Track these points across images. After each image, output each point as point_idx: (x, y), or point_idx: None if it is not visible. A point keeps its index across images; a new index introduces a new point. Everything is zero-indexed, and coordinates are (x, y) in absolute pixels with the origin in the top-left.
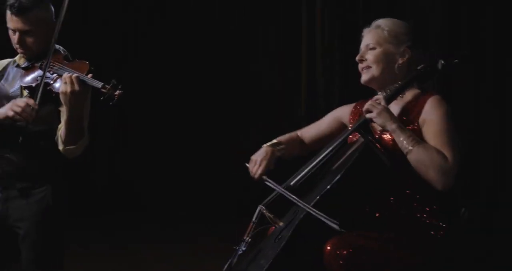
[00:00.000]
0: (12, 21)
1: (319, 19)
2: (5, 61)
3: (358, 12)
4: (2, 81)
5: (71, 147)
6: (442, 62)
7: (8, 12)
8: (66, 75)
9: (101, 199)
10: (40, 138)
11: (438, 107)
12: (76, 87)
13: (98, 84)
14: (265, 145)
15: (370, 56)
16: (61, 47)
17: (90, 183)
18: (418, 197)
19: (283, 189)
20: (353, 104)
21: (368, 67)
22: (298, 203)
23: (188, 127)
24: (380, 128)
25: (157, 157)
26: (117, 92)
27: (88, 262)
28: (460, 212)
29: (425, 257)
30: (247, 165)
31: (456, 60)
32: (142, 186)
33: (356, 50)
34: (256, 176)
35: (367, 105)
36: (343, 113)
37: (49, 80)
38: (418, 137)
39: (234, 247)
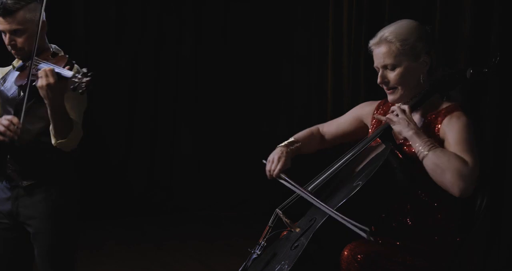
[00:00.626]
0: (1, 23)
1: (345, 22)
2: (8, 68)
3: (384, 13)
4: (3, 85)
5: (62, 140)
6: (471, 71)
7: None
8: (41, 69)
9: (139, 200)
10: (39, 135)
11: (458, 119)
12: (51, 80)
13: (69, 74)
14: (279, 145)
15: (392, 77)
16: (53, 45)
17: (128, 185)
18: (435, 205)
19: (302, 189)
20: (376, 104)
21: (394, 88)
22: (322, 207)
23: (224, 127)
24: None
25: (194, 158)
26: (84, 79)
27: (129, 260)
28: (477, 221)
29: (440, 266)
30: (264, 161)
31: (486, 70)
32: (179, 187)
33: None
34: (274, 174)
35: (389, 115)
36: (364, 112)
37: (34, 77)
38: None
39: (249, 250)
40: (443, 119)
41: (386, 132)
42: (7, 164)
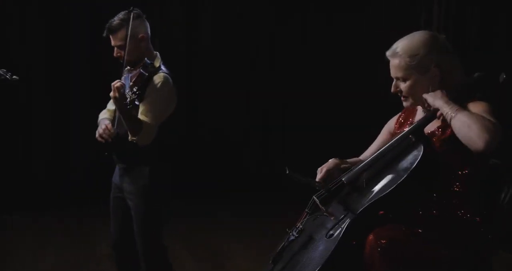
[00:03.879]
0: (111, 40)
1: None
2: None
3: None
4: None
5: (134, 138)
6: (504, 76)
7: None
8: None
9: (251, 179)
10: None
11: (479, 103)
12: (115, 94)
13: (126, 91)
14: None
15: (403, 88)
16: (154, 56)
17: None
18: (459, 194)
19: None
20: (398, 114)
21: (405, 97)
22: (371, 198)
23: (322, 120)
24: (428, 131)
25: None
26: (128, 100)
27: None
28: (502, 214)
29: (462, 255)
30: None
31: None
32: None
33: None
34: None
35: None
36: (391, 123)
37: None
38: None
39: (287, 230)
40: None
41: (419, 129)
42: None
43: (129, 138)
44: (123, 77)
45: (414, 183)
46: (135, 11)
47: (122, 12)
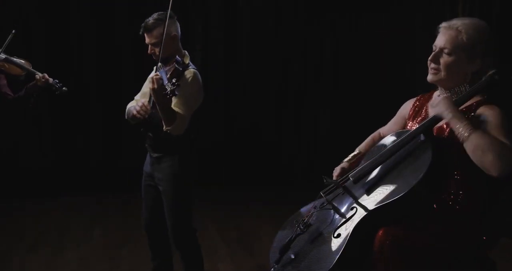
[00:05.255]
0: (146, 37)
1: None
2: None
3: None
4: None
5: (168, 127)
6: None
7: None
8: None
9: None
10: (161, 122)
11: (491, 109)
12: (154, 85)
13: (165, 82)
14: (344, 161)
15: (442, 61)
16: (186, 53)
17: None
18: (459, 188)
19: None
20: (415, 99)
21: (437, 70)
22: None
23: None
24: (437, 126)
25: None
26: (169, 90)
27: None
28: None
29: (463, 249)
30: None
31: None
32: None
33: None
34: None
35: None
36: (405, 109)
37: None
38: None
39: (295, 222)
40: (475, 111)
41: (428, 127)
42: (146, 141)
43: (164, 128)
44: (158, 72)
45: (423, 186)
46: (168, 12)
47: (157, 13)
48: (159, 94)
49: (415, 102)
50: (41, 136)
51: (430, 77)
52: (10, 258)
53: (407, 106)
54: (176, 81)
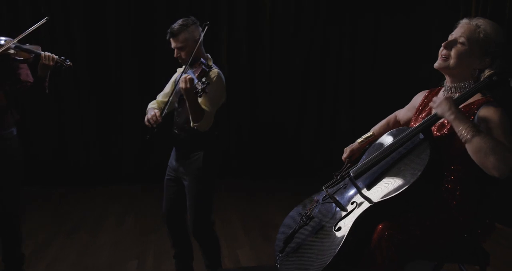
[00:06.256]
0: (172, 42)
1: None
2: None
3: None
4: (178, 83)
5: (196, 124)
6: None
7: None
8: (183, 76)
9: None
10: (188, 119)
11: (492, 109)
12: (186, 85)
13: (195, 81)
14: (356, 141)
15: (454, 49)
16: (209, 56)
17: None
18: (459, 187)
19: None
20: (427, 91)
21: (447, 57)
22: (364, 195)
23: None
24: (438, 122)
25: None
26: (200, 87)
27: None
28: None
29: (456, 242)
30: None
31: None
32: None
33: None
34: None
35: (432, 102)
36: (416, 101)
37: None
38: None
39: (298, 214)
40: (476, 111)
41: (428, 127)
42: (173, 136)
43: (191, 124)
44: (186, 74)
45: (426, 183)
46: (191, 18)
47: (182, 19)
48: (190, 93)
49: (425, 97)
50: (84, 133)
51: (438, 64)
52: (49, 243)
53: (418, 98)
54: (206, 80)
